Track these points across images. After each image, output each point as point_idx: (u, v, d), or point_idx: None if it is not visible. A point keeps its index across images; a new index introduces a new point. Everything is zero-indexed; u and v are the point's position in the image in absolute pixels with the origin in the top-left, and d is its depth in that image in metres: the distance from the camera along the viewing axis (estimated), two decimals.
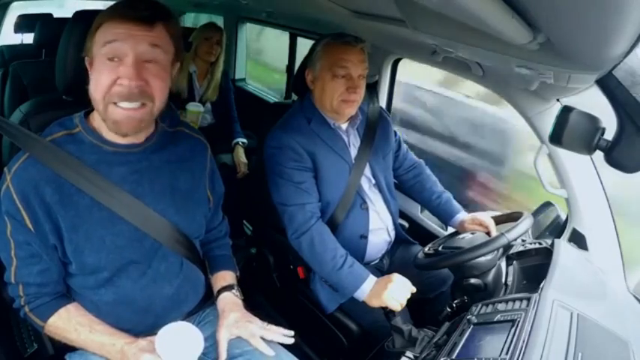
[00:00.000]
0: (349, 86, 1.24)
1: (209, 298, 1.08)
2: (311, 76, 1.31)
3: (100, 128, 0.89)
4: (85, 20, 0.95)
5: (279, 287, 1.54)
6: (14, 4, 2.92)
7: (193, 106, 2.17)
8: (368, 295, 1.14)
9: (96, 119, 0.89)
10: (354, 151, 1.34)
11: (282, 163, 1.25)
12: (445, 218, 1.43)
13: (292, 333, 0.97)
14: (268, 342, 0.96)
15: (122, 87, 0.80)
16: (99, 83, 0.81)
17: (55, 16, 2.43)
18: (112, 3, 0.85)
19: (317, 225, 1.23)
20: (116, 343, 0.87)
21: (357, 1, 1.23)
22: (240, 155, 2.26)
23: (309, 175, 1.27)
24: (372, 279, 1.16)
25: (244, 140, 2.32)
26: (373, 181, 1.37)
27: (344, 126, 1.34)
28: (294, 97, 1.59)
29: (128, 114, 0.82)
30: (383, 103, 1.77)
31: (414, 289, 1.11)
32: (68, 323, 0.89)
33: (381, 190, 1.38)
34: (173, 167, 0.96)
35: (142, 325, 0.94)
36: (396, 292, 1.09)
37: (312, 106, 1.32)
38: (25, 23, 2.56)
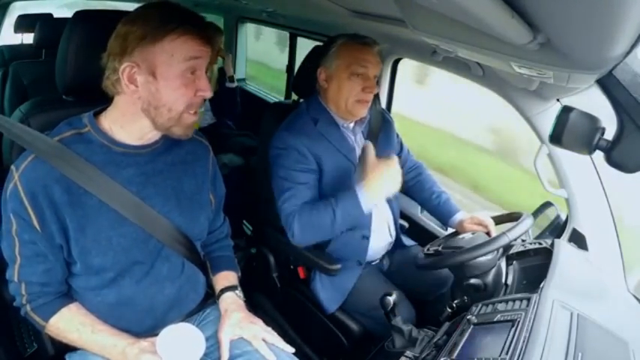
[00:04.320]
0: (366, 86, 1.25)
1: (209, 298, 1.08)
2: (324, 75, 1.30)
3: (111, 129, 0.88)
4: (85, 20, 0.95)
5: (279, 287, 1.53)
6: (14, 4, 2.93)
7: None
8: (371, 200, 1.15)
9: (107, 120, 0.89)
10: (359, 152, 1.34)
11: (287, 165, 1.25)
12: (444, 218, 1.42)
13: (293, 350, 0.98)
14: (268, 343, 0.96)
15: (201, 98, 0.88)
16: (184, 95, 0.85)
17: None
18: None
19: (301, 204, 1.23)
20: (118, 345, 0.87)
21: (357, 1, 1.23)
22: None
23: (313, 176, 1.27)
24: (359, 191, 1.16)
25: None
26: None
27: (351, 125, 1.35)
28: (294, 96, 1.59)
29: (196, 118, 0.91)
30: (383, 103, 1.77)
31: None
32: (70, 323, 0.89)
33: None
34: (177, 170, 0.96)
35: (142, 325, 0.94)
36: (389, 177, 1.13)
37: (320, 106, 1.32)
38: (25, 23, 2.56)
